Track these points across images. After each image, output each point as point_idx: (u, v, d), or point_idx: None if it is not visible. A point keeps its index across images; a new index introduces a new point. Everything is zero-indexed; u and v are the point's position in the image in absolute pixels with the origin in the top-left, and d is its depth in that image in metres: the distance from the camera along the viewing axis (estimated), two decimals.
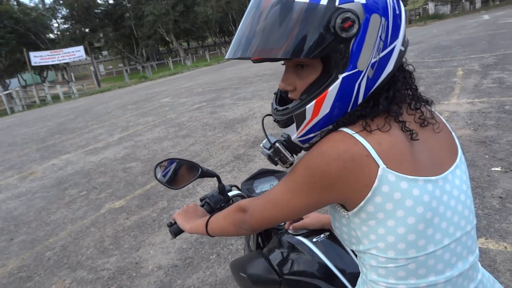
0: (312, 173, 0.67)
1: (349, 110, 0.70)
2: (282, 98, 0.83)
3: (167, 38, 38.99)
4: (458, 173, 0.73)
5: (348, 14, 0.64)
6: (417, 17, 35.80)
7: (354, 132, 0.67)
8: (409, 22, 32.73)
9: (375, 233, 0.68)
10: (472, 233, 0.74)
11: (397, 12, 0.69)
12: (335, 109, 0.70)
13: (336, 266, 1.04)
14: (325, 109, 0.70)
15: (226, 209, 0.92)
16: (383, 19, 0.66)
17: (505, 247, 2.26)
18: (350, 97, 0.69)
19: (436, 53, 10.69)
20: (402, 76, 0.73)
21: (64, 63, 33.23)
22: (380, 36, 0.67)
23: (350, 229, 0.72)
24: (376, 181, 0.64)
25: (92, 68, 26.63)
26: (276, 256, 1.16)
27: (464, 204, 0.72)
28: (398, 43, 0.70)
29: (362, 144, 0.65)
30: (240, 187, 1.36)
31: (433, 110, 0.82)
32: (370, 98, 0.70)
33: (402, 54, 0.72)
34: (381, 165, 0.65)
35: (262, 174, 1.43)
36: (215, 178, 1.23)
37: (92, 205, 4.19)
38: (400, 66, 0.74)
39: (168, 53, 52.88)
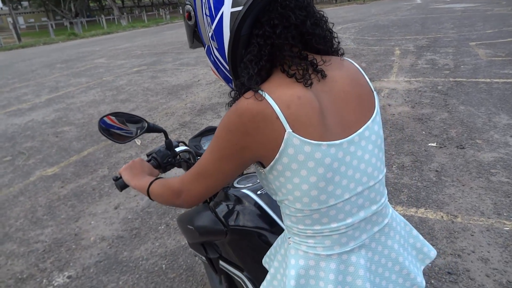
0: (233, 135, 0.72)
1: (229, 74, 0.83)
2: None
3: None
4: (367, 134, 0.78)
5: (187, 7, 0.84)
6: None
7: (265, 93, 0.71)
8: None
9: (285, 188, 0.75)
10: (376, 187, 0.81)
11: None
12: (222, 73, 0.85)
13: (277, 215, 1.11)
14: (217, 73, 0.88)
15: (161, 188, 0.91)
16: None
17: (442, 216, 2.46)
18: (219, 66, 0.83)
19: (375, 32, 11.13)
20: (261, 32, 0.73)
21: None
22: (205, 13, 0.77)
23: (268, 182, 0.79)
24: (283, 144, 0.70)
25: (9, 19, 23.42)
26: (222, 209, 1.20)
27: (368, 162, 0.78)
28: (225, 9, 0.73)
29: (272, 107, 0.69)
30: (187, 144, 1.35)
31: (350, 60, 0.85)
32: (246, 61, 0.76)
33: (238, 14, 0.72)
34: (288, 129, 0.69)
35: (210, 131, 1.44)
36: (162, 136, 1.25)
37: (20, 172, 3.78)
38: (259, 24, 0.74)
39: (100, 10, 48.59)
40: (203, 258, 1.37)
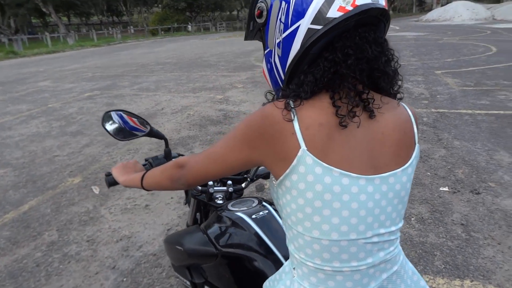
0: (251, 132, 0.73)
1: (281, 83, 0.82)
2: None
3: (44, 9, 33.55)
4: (391, 181, 0.75)
5: (260, 4, 0.82)
6: None
7: (294, 111, 0.71)
8: None
9: (290, 207, 0.75)
10: (385, 236, 0.77)
11: None
12: (273, 79, 0.85)
13: (272, 242, 1.07)
14: (268, 77, 0.88)
15: (163, 165, 0.92)
16: (283, 3, 0.75)
17: None
18: (273, 72, 0.83)
19: None
20: (331, 57, 0.72)
21: None
22: (280, 19, 0.76)
23: (277, 196, 0.79)
24: (295, 160, 0.70)
25: None
26: (214, 231, 1.18)
27: (383, 210, 0.75)
28: (303, 22, 0.71)
29: (292, 123, 0.70)
30: None
31: (406, 107, 0.81)
32: (304, 79, 0.74)
33: (316, 32, 0.70)
34: (302, 146, 0.69)
35: None
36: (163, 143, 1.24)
37: None
38: (331, 48, 0.72)
39: (44, 27, 45.87)
40: (187, 282, 1.33)
